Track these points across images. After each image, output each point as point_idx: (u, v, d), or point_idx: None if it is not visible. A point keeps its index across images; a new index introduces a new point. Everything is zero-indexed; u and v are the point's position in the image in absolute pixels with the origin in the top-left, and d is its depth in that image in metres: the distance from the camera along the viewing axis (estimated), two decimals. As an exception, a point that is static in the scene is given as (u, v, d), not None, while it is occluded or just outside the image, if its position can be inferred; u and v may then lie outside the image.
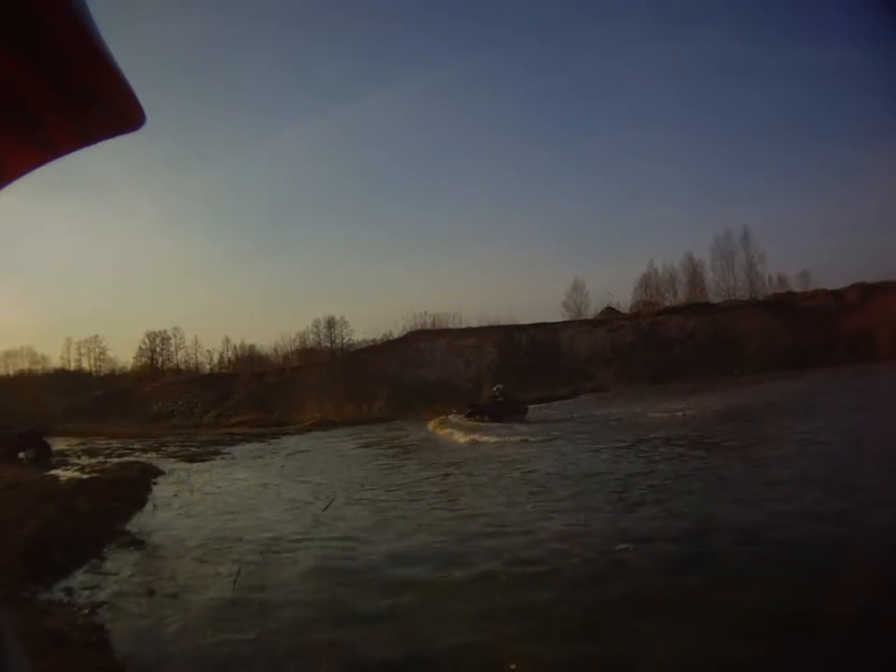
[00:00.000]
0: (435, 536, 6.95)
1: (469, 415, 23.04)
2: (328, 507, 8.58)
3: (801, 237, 67.16)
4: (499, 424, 20.23)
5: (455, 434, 18.52)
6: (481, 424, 21.04)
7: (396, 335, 38.75)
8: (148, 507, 10.07)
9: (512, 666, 3.61)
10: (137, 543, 7.39)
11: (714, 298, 39.42)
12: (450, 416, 24.02)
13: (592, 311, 40.21)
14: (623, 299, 43.30)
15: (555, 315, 39.85)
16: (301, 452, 19.14)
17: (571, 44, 67.09)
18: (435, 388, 39.14)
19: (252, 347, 45.08)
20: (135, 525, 8.58)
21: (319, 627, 4.45)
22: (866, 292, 40.78)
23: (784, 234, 64.33)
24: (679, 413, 17.51)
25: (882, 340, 40.57)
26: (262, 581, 5.59)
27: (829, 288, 40.89)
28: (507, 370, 38.75)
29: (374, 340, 39.56)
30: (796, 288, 40.61)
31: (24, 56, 0.34)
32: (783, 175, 67.23)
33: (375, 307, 68.55)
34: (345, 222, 68.78)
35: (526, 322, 38.21)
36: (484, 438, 16.47)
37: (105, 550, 7.07)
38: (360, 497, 9.80)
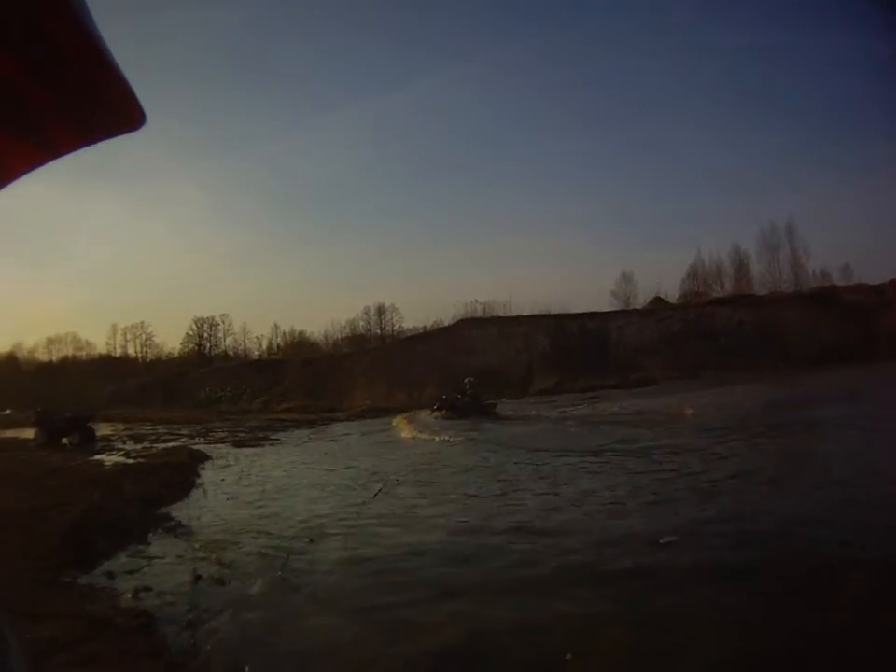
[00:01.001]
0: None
1: (436, 409, 22.41)
2: (377, 494, 8.64)
3: (844, 230, 66.87)
4: (467, 421, 19.67)
5: (404, 430, 18.65)
6: (445, 421, 20.50)
7: (446, 323, 39.49)
8: (195, 492, 10.04)
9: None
10: (183, 528, 7.33)
11: (759, 290, 40.33)
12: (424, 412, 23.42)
13: (640, 301, 41.31)
14: (671, 289, 43.57)
15: (604, 304, 40.40)
16: (343, 436, 19.50)
17: (617, 32, 67.63)
18: (485, 376, 40.02)
19: (302, 334, 46.03)
20: (181, 509, 8.48)
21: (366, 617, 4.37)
22: (905, 285, 41.67)
23: (827, 227, 64.86)
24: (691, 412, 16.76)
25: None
26: (309, 567, 5.51)
27: (870, 283, 41.71)
28: (557, 358, 39.73)
29: (425, 327, 40.43)
30: (839, 282, 41.46)
31: (24, 56, 0.30)
32: (827, 167, 67.36)
33: (425, 295, 69.04)
34: (395, 209, 69.94)
35: (577, 311, 38.48)
36: (424, 436, 16.71)
37: (150, 535, 7.01)
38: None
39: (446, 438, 15.62)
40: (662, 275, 67.39)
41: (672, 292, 43.57)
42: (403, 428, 18.99)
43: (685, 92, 67.06)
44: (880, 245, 64.96)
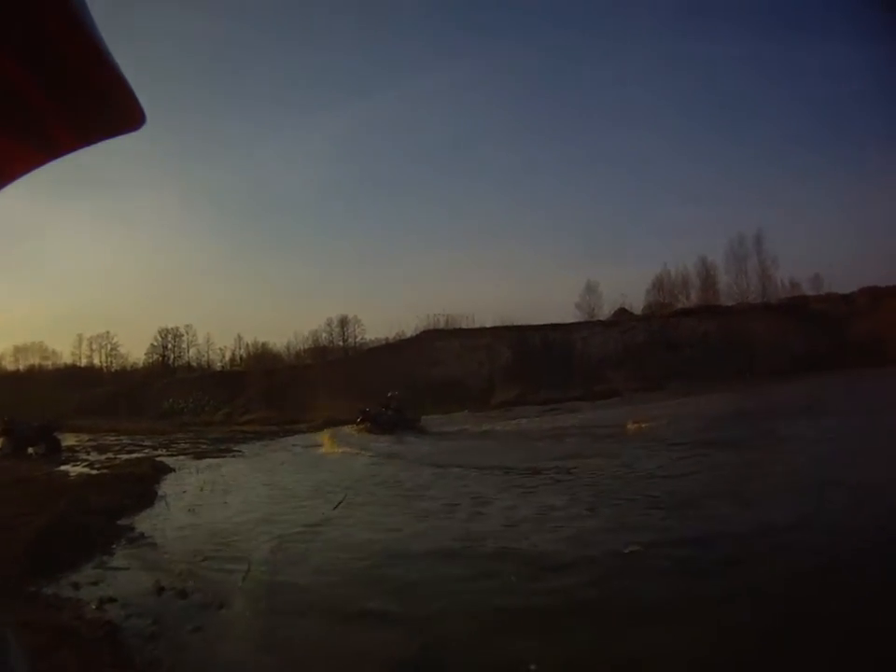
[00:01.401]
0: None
1: (359, 422, 22.33)
2: (337, 506, 8.87)
3: (813, 241, 67.21)
4: (390, 436, 19.74)
5: (324, 445, 18.94)
6: (368, 435, 20.50)
7: (409, 334, 38.94)
8: (158, 503, 10.21)
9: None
10: (146, 539, 7.49)
11: (726, 301, 39.79)
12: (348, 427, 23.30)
13: (605, 312, 40.84)
14: (636, 301, 43.21)
15: (568, 316, 39.86)
16: (309, 447, 19.58)
17: (584, 45, 67.12)
18: (448, 388, 39.64)
19: (264, 345, 45.36)
20: (144, 521, 8.65)
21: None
22: (877, 296, 41.15)
23: (796, 238, 65.04)
24: (637, 426, 16.69)
25: (892, 344, 40.95)
26: (269, 578, 5.66)
27: (840, 293, 41.17)
28: (520, 370, 39.23)
29: (387, 339, 39.82)
30: (808, 292, 40.95)
31: (24, 56, 0.32)
32: (798, 178, 67.50)
33: (388, 307, 69.25)
34: (359, 222, 69.62)
35: (540, 323, 37.92)
36: (338, 450, 17.26)
37: (114, 546, 7.11)
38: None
39: (355, 452, 16.21)
40: (627, 287, 68.45)
41: (637, 304, 42.59)
42: (325, 443, 19.23)
43: (652, 104, 66.11)
44: (850, 255, 64.13)
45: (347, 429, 22.48)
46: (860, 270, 73.83)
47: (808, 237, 66.72)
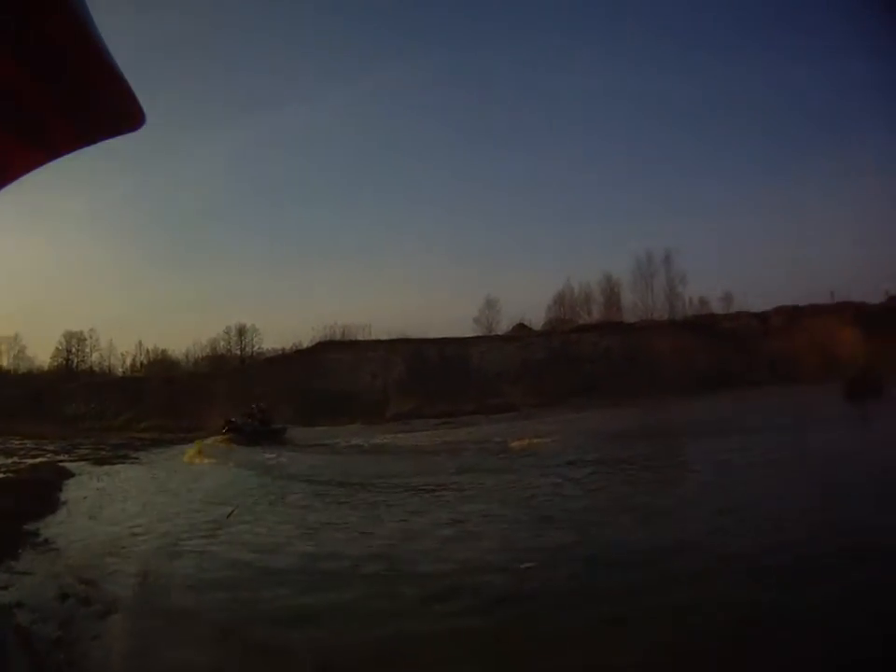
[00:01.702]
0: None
1: (224, 432, 22.23)
2: (231, 514, 9.05)
3: (728, 259, 67.60)
4: (251, 447, 19.58)
5: (188, 454, 19.28)
6: (231, 447, 20.33)
7: (305, 345, 37.74)
8: (60, 509, 10.35)
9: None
10: (50, 545, 7.55)
11: (631, 318, 38.72)
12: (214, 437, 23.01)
13: (504, 327, 39.53)
14: (537, 316, 43.60)
15: (467, 331, 38.84)
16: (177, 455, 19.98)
17: (482, 63, 66.59)
18: (342, 399, 38.60)
19: (164, 352, 44.13)
20: (48, 526, 8.73)
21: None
22: (793, 315, 40.14)
23: (710, 256, 65.31)
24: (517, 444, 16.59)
25: (807, 361, 39.99)
26: (165, 580, 5.91)
27: (753, 311, 40.12)
28: (415, 383, 38.16)
29: (283, 349, 38.66)
30: (718, 310, 39.97)
31: (24, 56, 0.34)
32: (710, 198, 67.32)
33: (287, 317, 68.76)
34: (259, 232, 68.75)
35: (436, 336, 36.81)
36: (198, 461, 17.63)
37: (19, 550, 7.16)
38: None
39: (214, 462, 16.92)
40: (530, 304, 68.42)
41: (538, 319, 42.57)
42: (191, 453, 19.40)
43: (558, 118, 65.61)
44: (765, 274, 64.42)
45: (211, 441, 22.22)
46: (776, 289, 74.37)
47: (721, 257, 66.70)
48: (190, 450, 20.06)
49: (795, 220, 67.72)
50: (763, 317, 40.60)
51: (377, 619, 4.67)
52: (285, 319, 74.24)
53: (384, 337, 37.83)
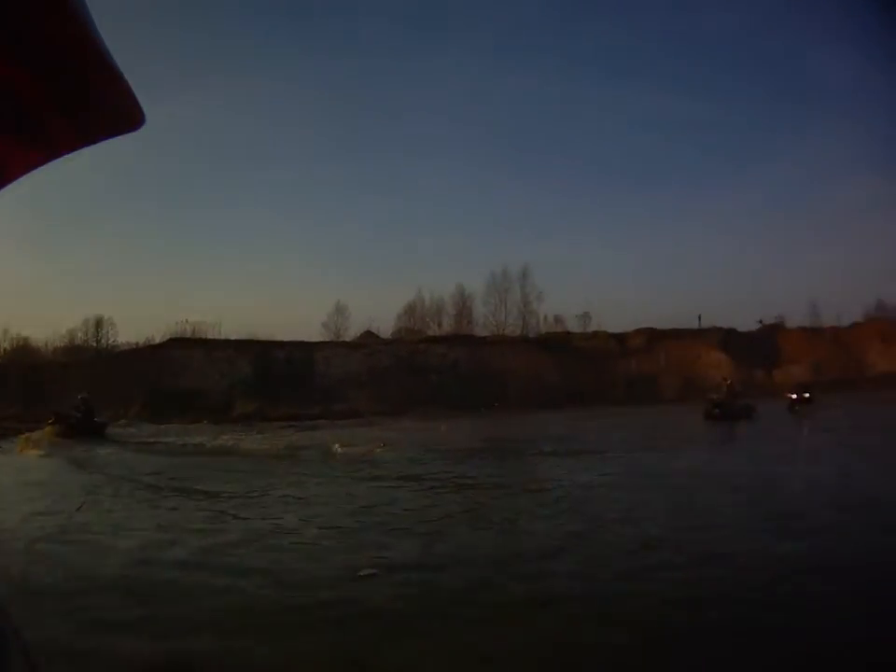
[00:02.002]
0: None
1: (50, 423, 22.33)
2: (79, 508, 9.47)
3: (591, 280, 71.30)
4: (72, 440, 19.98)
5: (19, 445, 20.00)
6: (54, 439, 20.68)
7: (158, 340, 37.46)
8: None
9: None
10: None
11: (482, 332, 38.69)
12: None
13: (352, 334, 39.67)
14: (387, 325, 45.41)
15: (316, 335, 38.92)
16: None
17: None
18: (190, 397, 38.21)
19: (27, 340, 43.68)
20: None
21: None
22: (653, 337, 40.16)
23: (572, 276, 66.72)
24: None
25: (668, 383, 40.14)
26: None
27: (611, 331, 40.13)
28: (260, 385, 37.93)
29: (137, 343, 38.43)
30: (574, 329, 39.97)
31: (24, 56, 0.31)
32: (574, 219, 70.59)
33: (143, 311, 69.88)
34: (122, 220, 68.80)
35: (284, 339, 36.68)
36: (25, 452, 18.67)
37: None
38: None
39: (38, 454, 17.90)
40: (382, 312, 68.59)
41: (388, 328, 45.23)
42: (21, 444, 20.14)
43: (422, 125, 68.11)
44: (626, 296, 69.12)
45: (37, 434, 22.39)
46: (633, 311, 76.29)
47: (586, 276, 67.69)
48: (21, 440, 20.96)
49: (667, 245, 69.27)
50: (620, 338, 40.48)
51: (178, 632, 4.71)
52: (141, 313, 73.94)
53: (233, 336, 37.33)
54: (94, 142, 0.40)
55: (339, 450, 16.86)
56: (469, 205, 70.84)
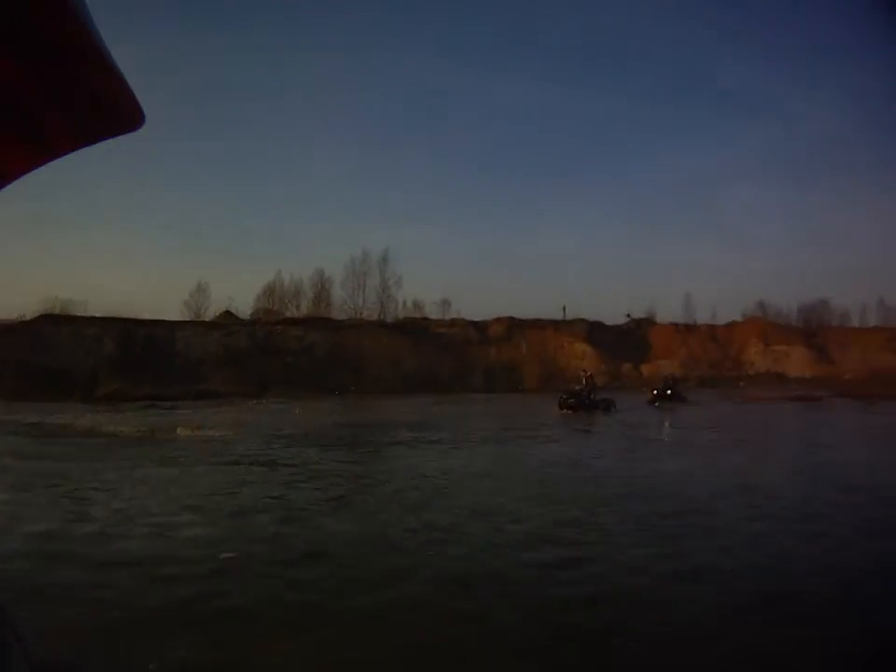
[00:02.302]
0: None
1: None
2: None
3: (453, 268, 74.43)
4: None
5: None
6: None
7: (29, 317, 38.66)
8: None
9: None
10: None
11: (341, 315, 40.02)
12: None
13: (213, 313, 41.12)
14: (247, 305, 46.75)
15: (177, 314, 40.56)
16: None
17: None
18: (57, 376, 39.36)
19: None
20: None
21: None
22: (513, 326, 41.50)
23: (436, 262, 67.97)
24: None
25: (526, 373, 41.49)
26: None
27: (470, 319, 41.49)
28: (124, 364, 39.11)
29: (6, 320, 39.48)
30: (434, 315, 41.35)
31: (24, 56, 0.37)
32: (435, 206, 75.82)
33: (17, 285, 68.95)
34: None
35: (146, 318, 38.17)
36: None
37: None
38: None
39: None
40: (243, 291, 74.15)
41: (247, 308, 46.64)
42: None
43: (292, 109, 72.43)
44: (490, 285, 72.63)
45: None
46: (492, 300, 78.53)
47: (447, 265, 73.31)
48: None
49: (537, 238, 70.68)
50: (480, 326, 41.82)
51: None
52: (13, 289, 74.53)
53: (98, 314, 38.55)
54: (94, 142, 0.45)
55: (185, 433, 16.87)
56: (334, 190, 72.44)
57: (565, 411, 23.58)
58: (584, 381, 25.36)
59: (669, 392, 28.39)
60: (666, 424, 21.23)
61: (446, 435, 16.98)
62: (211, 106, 71.65)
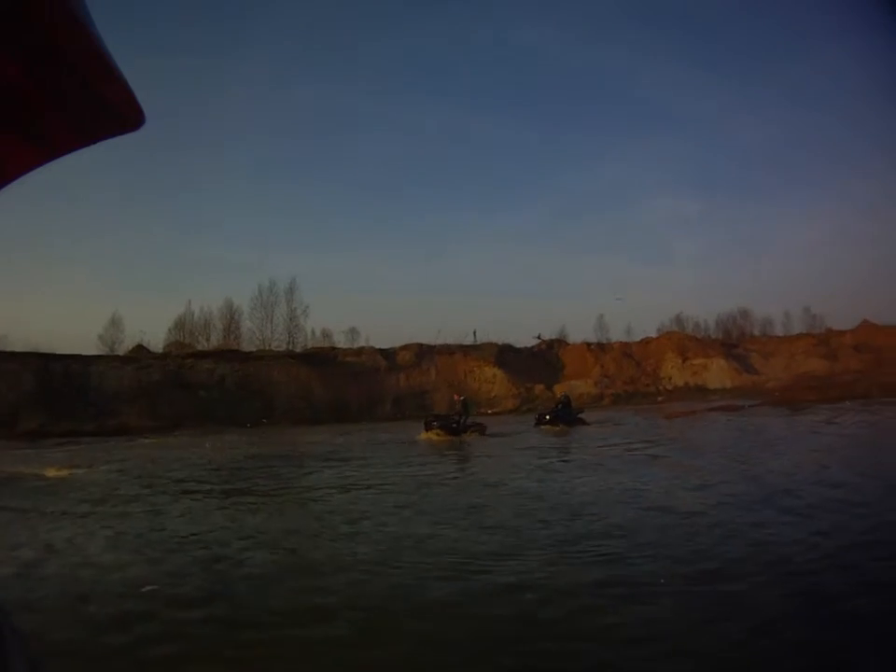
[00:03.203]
0: None
1: None
2: None
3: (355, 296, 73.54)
4: None
5: None
6: None
7: None
8: None
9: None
10: None
11: (249, 346, 41.55)
12: None
13: (126, 347, 42.53)
14: (159, 339, 47.69)
15: (93, 348, 41.92)
16: None
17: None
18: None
19: None
20: None
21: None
22: (422, 353, 43.06)
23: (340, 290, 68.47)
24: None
25: (436, 399, 42.96)
26: None
27: (378, 347, 43.00)
28: (44, 400, 40.54)
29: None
30: (342, 344, 42.88)
31: (24, 56, 0.33)
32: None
33: None
34: None
35: (63, 352, 39.55)
36: None
37: None
38: None
39: None
40: (157, 324, 73.30)
41: (159, 342, 47.62)
42: None
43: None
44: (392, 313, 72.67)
45: None
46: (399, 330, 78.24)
47: (356, 293, 72.34)
48: None
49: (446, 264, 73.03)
50: (388, 353, 43.39)
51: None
52: None
53: (19, 349, 40.08)
54: (94, 142, 0.40)
55: (53, 473, 17.10)
56: (241, 216, 74.14)
57: (430, 434, 24.65)
58: (459, 406, 25.79)
59: (557, 414, 27.54)
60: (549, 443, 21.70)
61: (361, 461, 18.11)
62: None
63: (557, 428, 25.99)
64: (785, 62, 72.51)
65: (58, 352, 41.68)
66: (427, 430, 25.07)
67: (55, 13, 0.34)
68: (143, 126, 0.43)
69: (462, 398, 27.46)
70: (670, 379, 54.52)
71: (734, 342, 57.65)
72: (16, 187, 0.43)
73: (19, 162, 0.41)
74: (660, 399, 49.36)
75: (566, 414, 27.47)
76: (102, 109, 0.40)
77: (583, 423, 27.19)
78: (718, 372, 55.68)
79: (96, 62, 0.37)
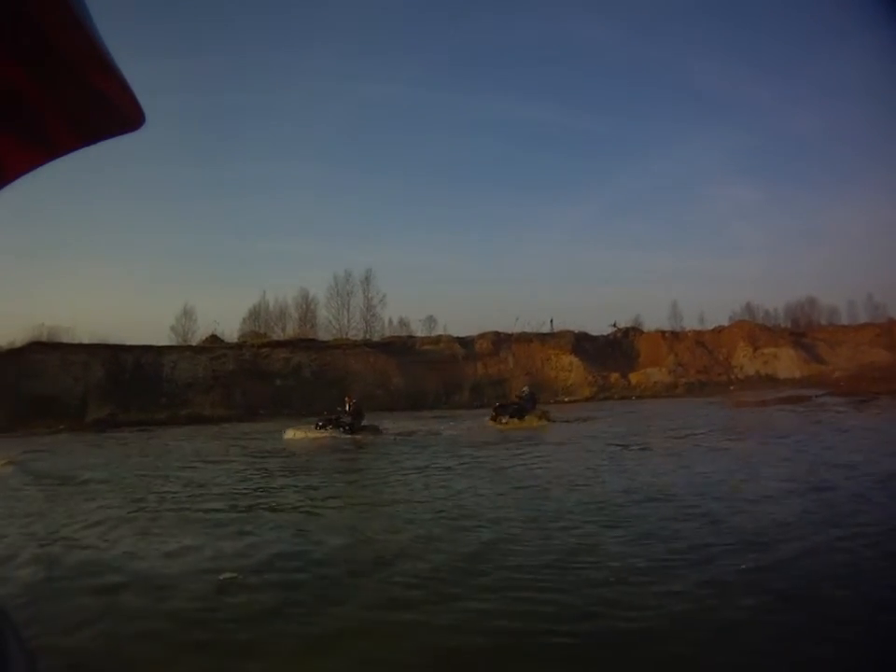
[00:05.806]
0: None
1: None
2: None
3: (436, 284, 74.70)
4: None
5: None
6: None
7: (19, 344, 39.24)
8: None
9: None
10: None
11: (325, 336, 40.62)
12: None
13: (199, 337, 42.18)
14: (233, 328, 47.07)
15: (164, 339, 41.41)
16: None
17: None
18: (47, 403, 40.04)
19: None
20: None
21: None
22: (499, 341, 42.05)
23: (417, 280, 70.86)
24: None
25: (514, 387, 41.98)
26: None
27: (456, 335, 42.09)
28: (113, 390, 39.77)
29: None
30: (419, 333, 42.03)
31: (24, 56, 0.34)
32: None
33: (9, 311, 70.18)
34: None
35: (133, 343, 38.80)
36: None
37: None
38: None
39: None
40: (226, 314, 72.00)
41: (233, 331, 46.68)
42: None
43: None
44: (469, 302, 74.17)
45: None
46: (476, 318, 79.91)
47: (432, 282, 72.32)
48: None
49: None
50: (466, 342, 42.41)
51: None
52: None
53: (86, 340, 39.20)
54: (94, 142, 0.40)
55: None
56: (316, 208, 73.46)
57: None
58: (348, 405, 22.59)
59: (516, 409, 24.20)
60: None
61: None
62: (193, 129, 72.01)
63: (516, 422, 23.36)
64: (822, 56, 72.13)
65: (128, 343, 42.23)
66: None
67: (55, 13, 0.34)
68: (142, 126, 0.43)
69: (354, 400, 23.48)
70: (742, 368, 53.58)
71: (801, 331, 56.78)
72: (19, 186, 0.42)
73: (19, 162, 0.41)
74: (731, 388, 48.49)
75: (524, 409, 24.53)
76: (102, 109, 0.40)
77: (548, 419, 24.17)
78: (787, 362, 54.61)
79: (96, 62, 0.37)
